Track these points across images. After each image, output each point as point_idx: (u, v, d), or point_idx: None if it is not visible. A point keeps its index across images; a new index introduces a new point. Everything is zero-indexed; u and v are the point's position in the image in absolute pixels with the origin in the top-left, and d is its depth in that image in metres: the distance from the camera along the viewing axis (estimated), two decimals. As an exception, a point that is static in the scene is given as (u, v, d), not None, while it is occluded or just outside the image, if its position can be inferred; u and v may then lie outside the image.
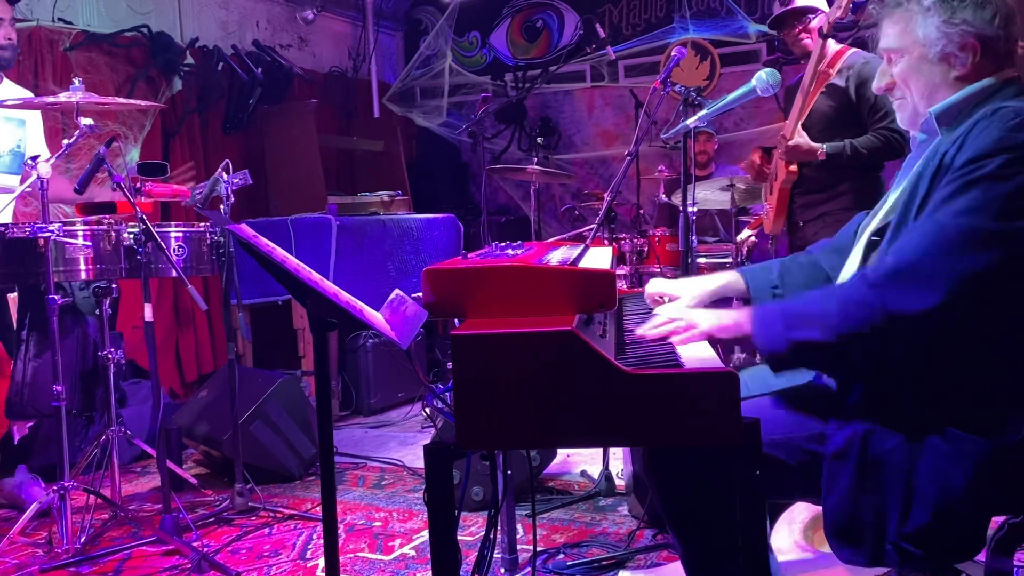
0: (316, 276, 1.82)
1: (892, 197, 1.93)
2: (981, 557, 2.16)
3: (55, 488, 3.11)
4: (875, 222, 1.95)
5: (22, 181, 3.46)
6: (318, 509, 3.50)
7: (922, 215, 1.71)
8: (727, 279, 2.24)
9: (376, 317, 1.84)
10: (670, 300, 2.13)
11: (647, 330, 1.89)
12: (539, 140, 6.79)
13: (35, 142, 3.88)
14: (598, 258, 2.02)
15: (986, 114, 1.72)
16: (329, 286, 1.82)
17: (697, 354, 1.80)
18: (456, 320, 1.74)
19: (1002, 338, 1.72)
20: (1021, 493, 1.79)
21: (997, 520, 2.05)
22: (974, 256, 1.61)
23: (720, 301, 2.18)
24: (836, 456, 1.77)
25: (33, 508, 3.18)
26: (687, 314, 1.89)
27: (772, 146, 4.13)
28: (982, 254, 1.61)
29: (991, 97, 1.79)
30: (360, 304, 1.85)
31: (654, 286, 2.21)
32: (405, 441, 4.68)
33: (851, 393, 1.82)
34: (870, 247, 1.91)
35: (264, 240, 1.86)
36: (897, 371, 1.72)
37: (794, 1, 3.86)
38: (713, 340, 1.88)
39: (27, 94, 3.85)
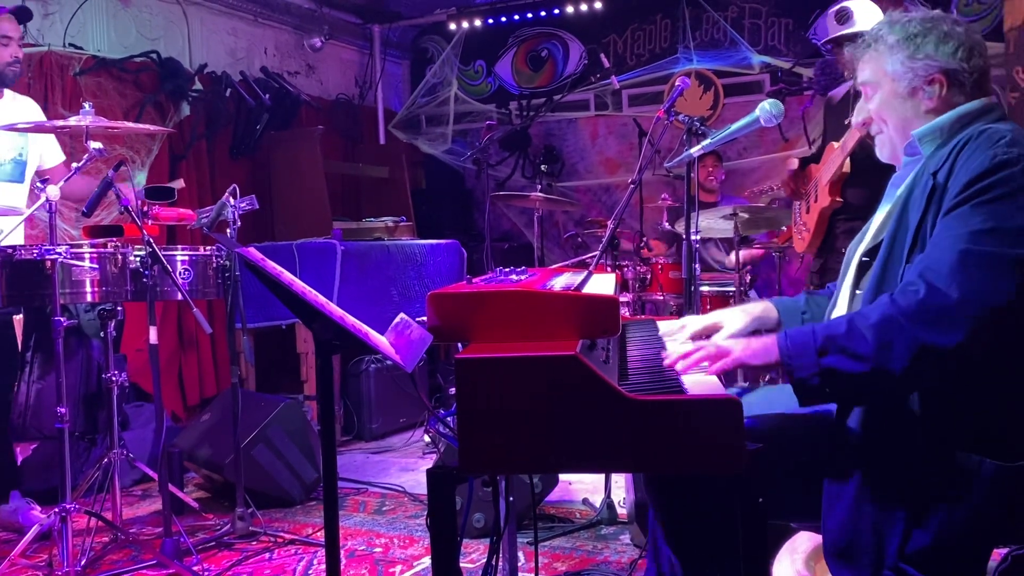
0: (323, 299, 1.83)
1: (879, 218, 1.96)
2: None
3: (56, 510, 3.10)
4: (864, 243, 1.97)
5: (29, 203, 3.48)
6: (319, 534, 3.50)
7: (934, 238, 1.72)
8: (762, 308, 2.25)
9: (382, 341, 1.85)
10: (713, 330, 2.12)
11: (680, 359, 1.86)
12: (543, 168, 6.85)
13: (48, 152, 3.89)
14: (602, 284, 2.02)
15: (972, 135, 1.77)
16: (336, 310, 1.82)
17: (701, 380, 1.79)
18: (460, 344, 1.74)
19: (1014, 361, 1.72)
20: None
21: (1000, 552, 2.04)
22: (1006, 277, 1.62)
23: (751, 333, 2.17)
24: (833, 480, 1.77)
25: (34, 530, 3.17)
26: (719, 342, 1.88)
27: (808, 158, 4.14)
28: (1011, 274, 1.62)
29: (975, 120, 1.84)
30: (366, 328, 1.86)
31: (687, 323, 2.20)
32: (406, 467, 4.66)
33: (851, 415, 1.81)
34: (861, 268, 1.93)
35: (272, 263, 1.87)
36: (919, 400, 1.72)
37: (853, 21, 3.84)
38: (745, 367, 1.84)
39: (32, 105, 3.87)
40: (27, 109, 3.81)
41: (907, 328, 1.63)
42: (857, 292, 1.93)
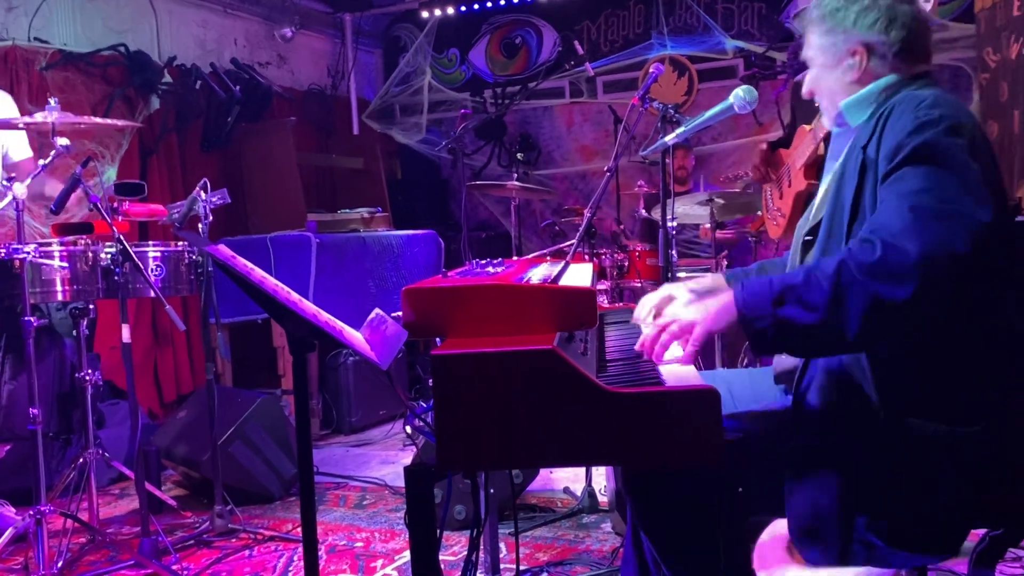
0: (295, 297, 1.81)
1: (820, 195, 1.98)
2: (961, 568, 2.15)
3: (31, 512, 3.07)
4: (808, 222, 1.98)
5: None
6: (299, 530, 3.48)
7: (879, 203, 1.72)
8: (711, 279, 2.31)
9: (356, 337, 1.83)
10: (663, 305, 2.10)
11: (649, 344, 1.84)
12: (519, 156, 6.84)
13: (15, 146, 3.83)
14: (579, 275, 2.01)
15: (895, 103, 1.80)
16: (308, 307, 1.80)
17: (678, 371, 1.78)
18: (437, 339, 1.73)
19: (967, 327, 1.73)
20: (1005, 503, 1.80)
21: (978, 533, 2.06)
22: (960, 226, 1.60)
23: None
24: (795, 456, 1.78)
25: (9, 533, 3.14)
26: (680, 315, 1.82)
27: (778, 142, 4.13)
28: (966, 223, 1.61)
29: (900, 90, 1.86)
30: (340, 324, 1.84)
31: (644, 305, 2.19)
32: (387, 460, 4.65)
33: (808, 393, 1.82)
34: (805, 247, 1.94)
35: (242, 261, 1.85)
36: (870, 371, 1.73)
37: None
38: (713, 334, 1.80)
39: (6, 99, 3.81)
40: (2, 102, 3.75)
41: (863, 281, 1.61)
42: None
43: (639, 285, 5.17)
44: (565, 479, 3.88)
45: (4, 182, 3.06)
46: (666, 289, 2.18)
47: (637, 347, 1.89)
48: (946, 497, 1.72)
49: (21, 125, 3.29)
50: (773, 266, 2.30)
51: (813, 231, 1.90)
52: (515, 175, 5.23)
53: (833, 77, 1.94)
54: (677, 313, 1.83)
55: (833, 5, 1.91)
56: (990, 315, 1.75)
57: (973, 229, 1.61)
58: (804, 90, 2.06)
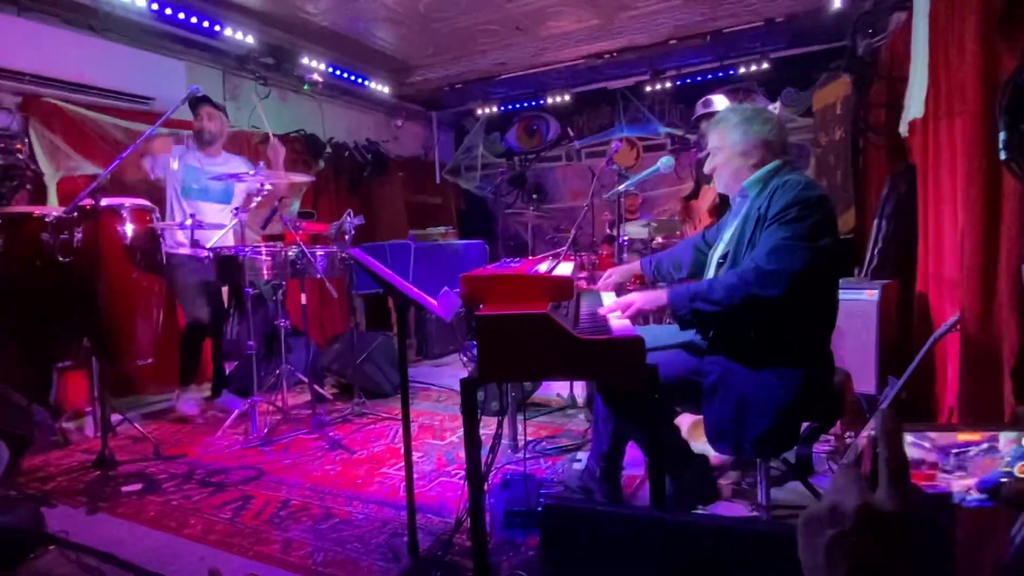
0: (399, 279, 1.84)
1: (727, 235, 1.96)
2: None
3: (249, 401, 3.15)
4: (719, 250, 1.97)
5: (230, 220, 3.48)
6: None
7: (758, 243, 1.73)
8: (631, 267, 2.36)
9: (432, 303, 1.86)
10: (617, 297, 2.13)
11: (606, 309, 1.89)
12: (534, 196, 6.80)
13: (240, 188, 3.84)
14: (564, 269, 2.02)
15: (780, 183, 1.78)
16: (405, 284, 1.84)
17: (622, 324, 1.81)
18: (481, 305, 1.76)
19: (809, 310, 1.74)
20: (821, 408, 1.81)
21: (805, 425, 2.05)
22: (798, 258, 1.64)
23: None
24: (709, 390, 1.78)
25: (235, 413, 3.22)
26: (627, 298, 1.88)
27: (689, 196, 4.12)
28: (802, 256, 1.64)
29: (778, 172, 1.84)
30: (423, 295, 1.87)
31: (606, 303, 2.22)
32: (454, 374, 4.67)
33: (710, 337, 1.85)
34: (719, 267, 1.94)
35: (369, 258, 1.89)
36: (751, 327, 1.74)
37: (713, 106, 3.87)
38: (643, 311, 1.86)
39: (240, 160, 3.76)
40: (238, 162, 3.75)
41: (742, 287, 1.66)
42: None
43: (606, 271, 5.14)
44: (557, 387, 3.90)
45: (233, 210, 3.12)
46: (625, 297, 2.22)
47: (599, 312, 1.92)
48: (799, 414, 1.74)
49: (245, 178, 3.33)
50: (660, 258, 2.32)
51: (724, 257, 1.90)
52: (531, 208, 5.23)
53: (741, 160, 1.88)
54: (626, 297, 1.90)
55: (747, 115, 1.87)
56: (815, 304, 1.75)
57: (805, 258, 1.65)
58: (707, 168, 2.01)
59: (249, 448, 3.05)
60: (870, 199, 3.68)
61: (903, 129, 2.91)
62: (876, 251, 3.04)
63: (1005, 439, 0.71)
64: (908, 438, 0.73)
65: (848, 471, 0.57)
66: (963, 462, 0.71)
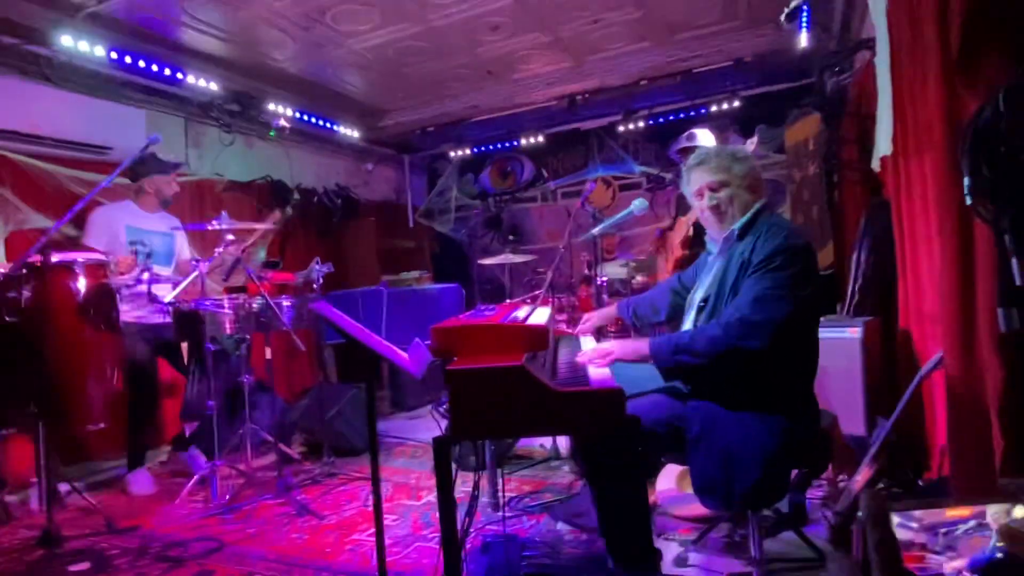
0: (365, 333, 1.78)
1: (707, 280, 1.94)
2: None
3: (210, 465, 3.02)
4: (699, 295, 1.95)
5: (180, 275, 3.38)
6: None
7: (741, 290, 1.73)
8: (608, 311, 2.34)
9: (402, 356, 1.80)
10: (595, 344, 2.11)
11: (584, 358, 1.88)
12: (510, 237, 6.81)
13: (183, 248, 3.74)
14: (540, 316, 1.98)
15: (765, 228, 1.78)
16: (372, 337, 1.78)
17: (601, 374, 1.76)
18: (453, 358, 1.70)
19: (790, 357, 1.72)
20: (810, 454, 1.77)
21: (795, 471, 2.01)
22: (782, 308, 1.64)
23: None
24: (694, 441, 1.74)
25: (196, 477, 3.08)
26: (605, 347, 1.88)
27: (665, 229, 4.15)
28: (785, 306, 1.64)
29: (761, 215, 1.85)
30: (392, 348, 1.81)
31: (585, 348, 2.18)
32: (432, 429, 4.52)
33: (693, 387, 1.82)
34: (699, 310, 1.91)
35: (333, 310, 1.83)
36: (733, 377, 1.72)
37: (696, 140, 3.93)
38: (624, 360, 1.85)
39: (175, 218, 3.66)
40: (173, 220, 3.65)
41: (725, 339, 1.65)
42: (698, 324, 1.91)
43: (584, 316, 5.12)
44: (539, 438, 3.82)
45: (193, 261, 3.04)
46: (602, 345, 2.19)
47: (576, 359, 1.88)
48: (789, 463, 1.72)
49: (209, 229, 3.20)
50: (637, 302, 2.31)
51: (704, 300, 1.88)
52: (507, 250, 5.22)
53: (749, 195, 1.88)
54: (603, 345, 1.89)
55: (738, 152, 1.91)
56: (796, 352, 1.74)
57: (788, 308, 1.65)
58: (707, 203, 1.92)
59: (210, 517, 2.91)
60: (848, 233, 3.73)
61: (875, 165, 2.97)
62: (856, 287, 3.06)
63: (992, 515, 0.67)
64: (895, 519, 0.68)
65: (842, 562, 0.52)
66: (952, 541, 0.67)
